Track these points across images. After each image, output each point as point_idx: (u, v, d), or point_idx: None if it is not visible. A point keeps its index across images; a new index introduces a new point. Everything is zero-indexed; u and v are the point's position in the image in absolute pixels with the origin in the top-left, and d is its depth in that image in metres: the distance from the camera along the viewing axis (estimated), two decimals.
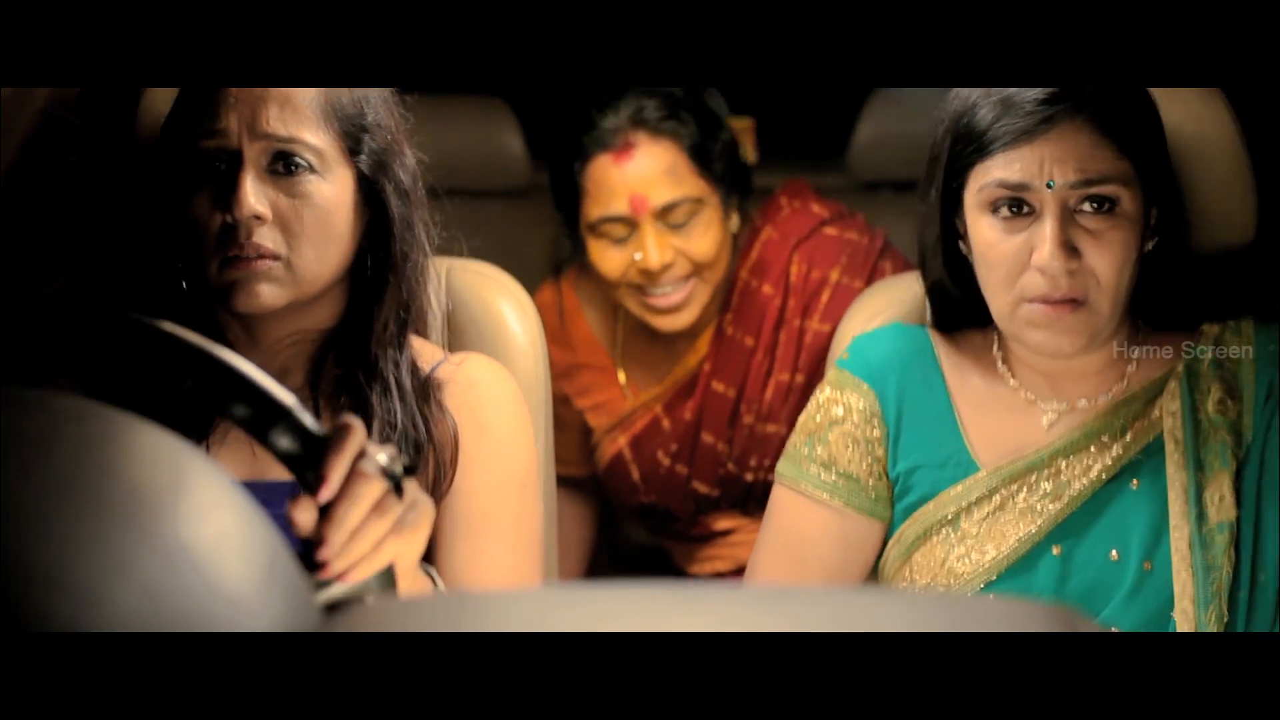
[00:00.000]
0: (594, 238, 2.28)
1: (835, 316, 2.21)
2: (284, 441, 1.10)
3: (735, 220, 2.35)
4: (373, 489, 1.15)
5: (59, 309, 1.15)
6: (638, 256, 2.23)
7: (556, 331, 2.43)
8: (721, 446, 2.38)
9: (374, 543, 1.16)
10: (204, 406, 1.13)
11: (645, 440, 2.42)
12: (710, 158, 2.28)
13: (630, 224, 2.24)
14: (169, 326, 1.09)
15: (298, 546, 1.13)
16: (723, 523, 2.44)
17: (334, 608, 1.08)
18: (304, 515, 1.13)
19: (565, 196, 2.31)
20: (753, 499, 2.38)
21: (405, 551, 1.20)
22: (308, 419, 1.11)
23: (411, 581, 1.25)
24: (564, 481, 2.51)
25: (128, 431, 0.76)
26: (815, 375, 2.27)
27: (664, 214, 2.23)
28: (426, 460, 1.56)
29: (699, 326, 2.38)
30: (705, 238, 2.26)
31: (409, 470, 1.19)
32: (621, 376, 2.45)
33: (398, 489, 1.17)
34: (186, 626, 0.68)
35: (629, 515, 2.56)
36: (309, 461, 1.12)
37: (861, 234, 2.39)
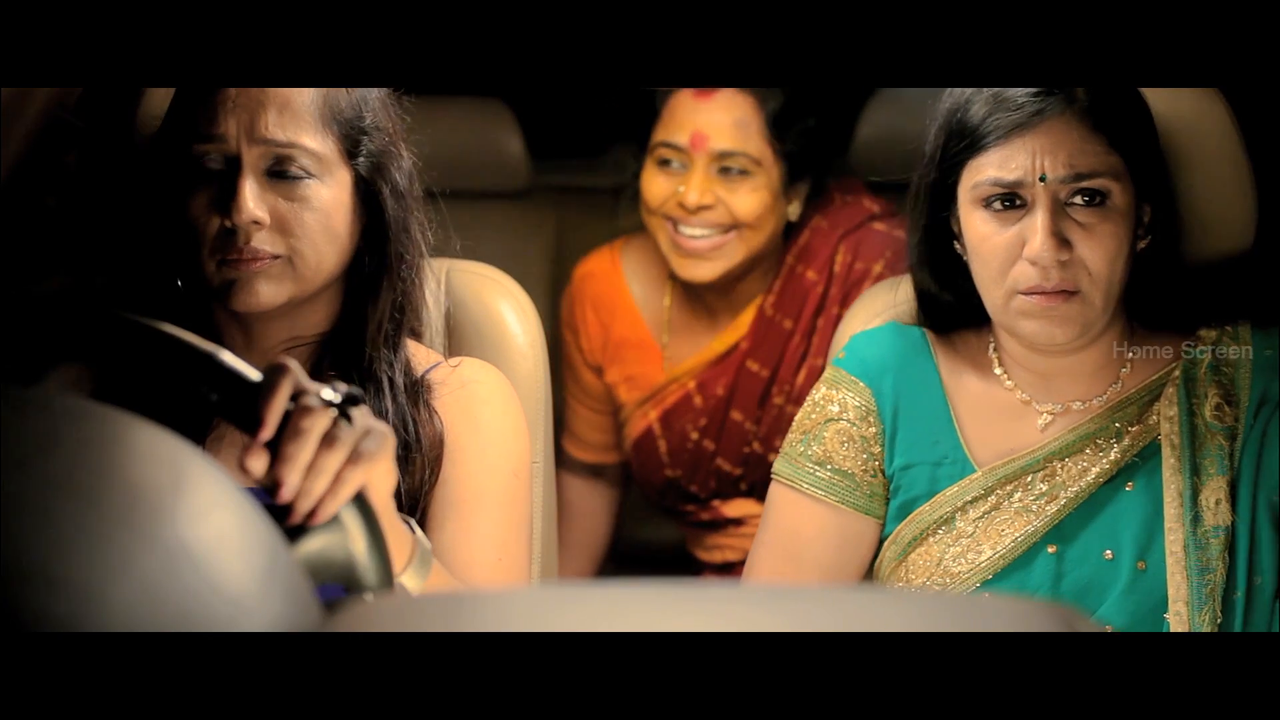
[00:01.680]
0: (650, 160, 2.37)
1: None
2: (215, 394, 1.08)
3: (796, 207, 2.39)
4: (318, 421, 1.13)
5: (57, 307, 1.15)
6: (680, 189, 2.31)
7: (602, 300, 2.51)
8: (749, 425, 2.43)
9: (332, 474, 1.13)
10: (135, 378, 1.11)
11: (676, 415, 2.47)
12: (785, 131, 2.33)
13: (685, 157, 2.32)
14: (91, 307, 1.08)
15: (264, 499, 1.10)
16: (736, 509, 2.48)
17: (333, 606, 1.08)
18: (254, 462, 1.11)
19: (641, 116, 2.39)
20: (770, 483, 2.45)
21: (374, 482, 1.17)
22: (239, 365, 1.09)
23: (390, 522, 1.23)
24: (588, 468, 2.52)
25: (128, 431, 0.76)
26: None
27: (719, 159, 2.31)
28: (414, 461, 1.56)
29: (739, 302, 2.43)
30: (751, 197, 2.32)
31: (354, 399, 1.16)
32: (661, 348, 2.49)
33: (345, 417, 1.15)
34: (186, 626, 0.68)
35: (652, 493, 2.58)
36: (247, 408, 1.10)
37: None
